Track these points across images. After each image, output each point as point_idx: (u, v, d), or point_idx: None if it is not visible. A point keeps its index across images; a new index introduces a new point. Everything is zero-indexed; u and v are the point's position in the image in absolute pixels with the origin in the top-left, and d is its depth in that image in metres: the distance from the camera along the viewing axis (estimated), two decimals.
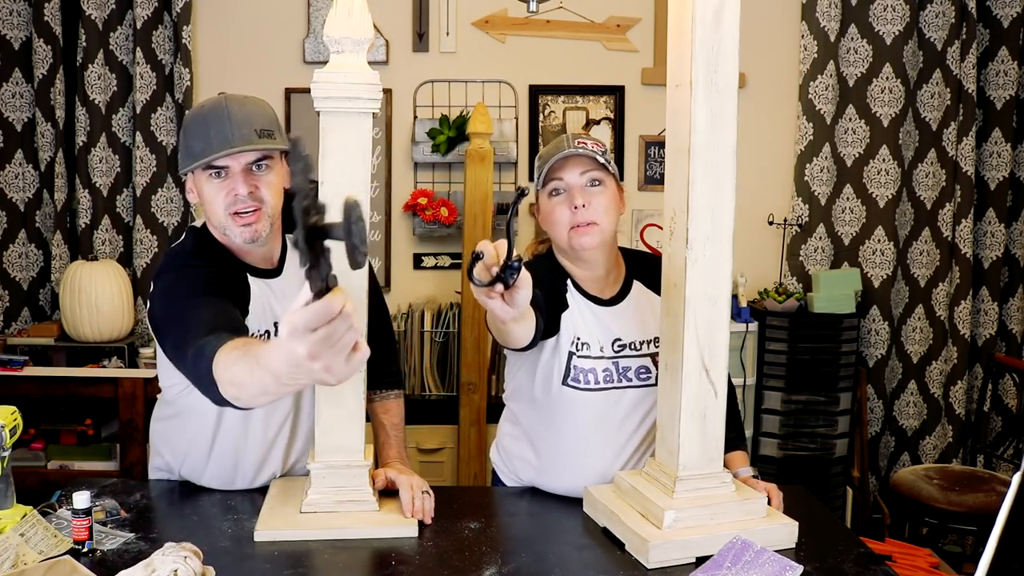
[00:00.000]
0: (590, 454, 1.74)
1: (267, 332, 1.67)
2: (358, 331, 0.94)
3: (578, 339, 1.72)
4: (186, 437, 1.76)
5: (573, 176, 1.69)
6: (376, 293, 1.77)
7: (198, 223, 1.72)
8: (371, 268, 1.63)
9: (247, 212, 1.57)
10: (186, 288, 1.50)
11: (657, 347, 1.72)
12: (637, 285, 1.81)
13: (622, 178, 3.49)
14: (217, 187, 1.58)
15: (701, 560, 1.47)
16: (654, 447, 1.68)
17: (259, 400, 1.26)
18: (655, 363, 1.74)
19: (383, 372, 1.83)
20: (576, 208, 1.67)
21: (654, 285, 1.73)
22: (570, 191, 1.69)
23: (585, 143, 1.70)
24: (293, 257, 1.71)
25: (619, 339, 1.74)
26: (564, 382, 1.72)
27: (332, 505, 1.63)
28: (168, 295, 1.51)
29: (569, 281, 1.75)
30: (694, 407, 1.55)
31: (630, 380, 1.74)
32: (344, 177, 1.61)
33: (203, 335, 1.34)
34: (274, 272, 1.71)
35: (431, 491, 1.68)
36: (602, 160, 1.69)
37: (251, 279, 1.66)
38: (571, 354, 1.71)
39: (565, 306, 1.72)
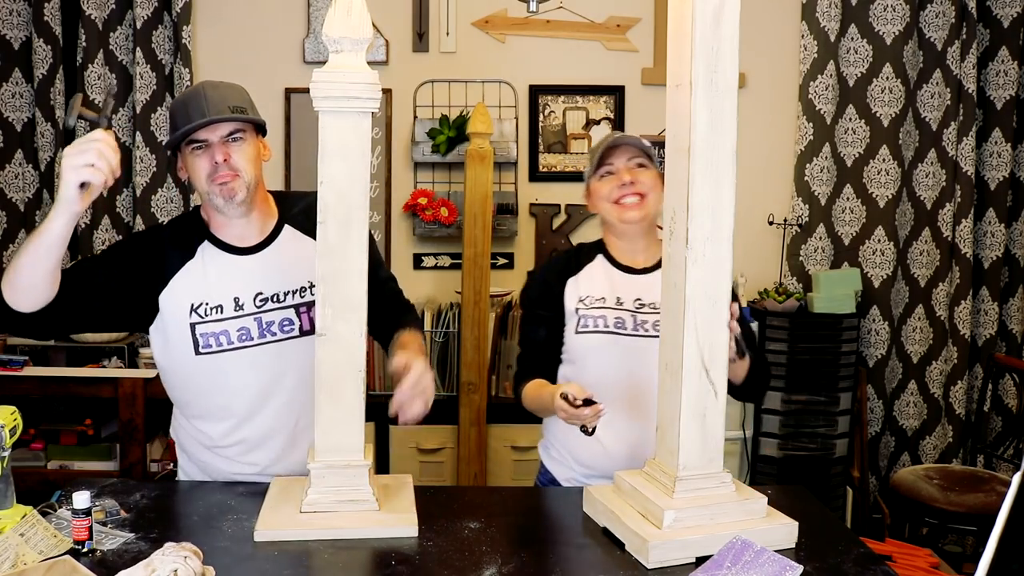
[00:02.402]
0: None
1: (220, 307, 1.75)
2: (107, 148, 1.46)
3: (589, 296, 1.91)
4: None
5: (621, 160, 1.90)
6: (376, 260, 1.83)
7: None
8: (372, 239, 1.70)
9: (224, 177, 1.72)
10: (96, 262, 1.77)
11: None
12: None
13: None
14: (199, 158, 1.73)
15: (701, 560, 1.47)
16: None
17: (27, 276, 1.54)
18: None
19: (395, 319, 1.90)
20: (624, 185, 1.87)
21: None
22: (619, 172, 1.89)
23: (632, 135, 1.93)
24: (275, 247, 1.82)
25: (639, 298, 1.91)
26: (576, 331, 1.89)
27: (332, 505, 1.63)
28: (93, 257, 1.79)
29: (600, 255, 1.96)
30: (694, 407, 1.55)
31: (647, 331, 1.87)
32: (343, 177, 1.61)
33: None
34: (245, 251, 1.80)
35: (430, 403, 1.80)
36: (646, 149, 1.90)
37: (213, 249, 1.77)
38: (577, 310, 1.90)
39: (561, 301, 1.92)
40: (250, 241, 1.81)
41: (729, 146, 1.52)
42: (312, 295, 1.78)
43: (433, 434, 3.21)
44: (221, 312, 1.75)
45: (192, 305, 1.74)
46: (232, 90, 1.78)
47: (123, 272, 1.74)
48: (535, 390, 1.86)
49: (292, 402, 1.81)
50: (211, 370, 1.76)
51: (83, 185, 1.48)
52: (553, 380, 1.91)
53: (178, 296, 1.75)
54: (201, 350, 1.74)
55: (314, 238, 1.63)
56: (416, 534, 1.58)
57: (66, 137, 3.36)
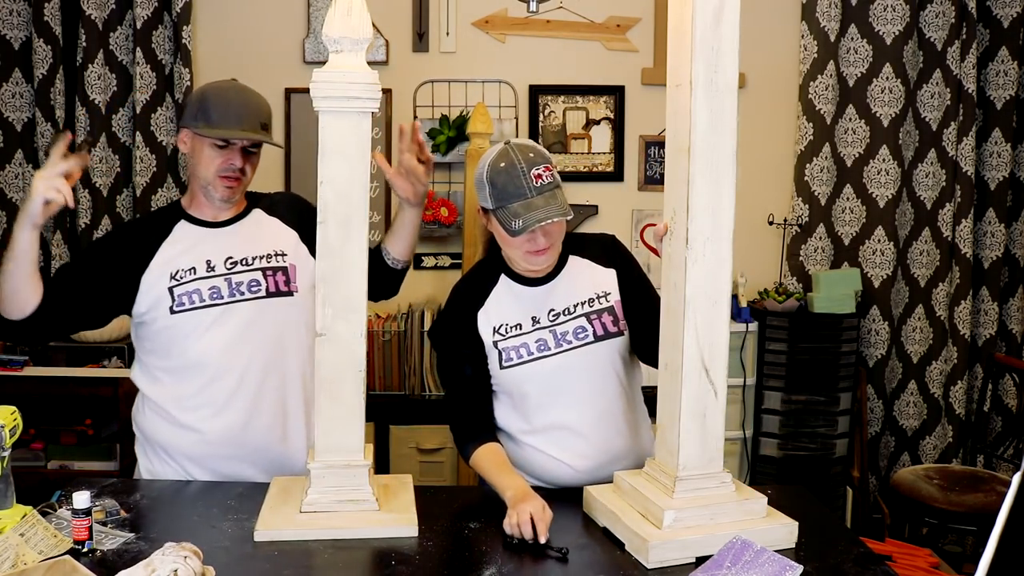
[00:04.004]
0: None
1: (193, 268, 1.87)
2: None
3: (504, 324, 1.83)
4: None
5: (553, 224, 1.74)
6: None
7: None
8: (312, 211, 1.94)
9: (233, 179, 1.88)
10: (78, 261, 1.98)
11: (591, 307, 1.83)
12: (572, 259, 1.89)
13: (622, 179, 3.50)
14: (217, 153, 1.87)
15: (701, 560, 1.47)
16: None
17: (7, 286, 1.74)
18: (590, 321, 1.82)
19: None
20: (539, 249, 1.76)
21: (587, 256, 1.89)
22: (534, 232, 1.73)
23: (541, 176, 1.72)
24: (246, 222, 1.97)
25: (552, 309, 1.83)
26: (501, 367, 1.81)
27: (332, 505, 1.63)
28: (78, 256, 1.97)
29: (502, 275, 1.86)
30: (694, 407, 1.55)
31: (570, 343, 1.81)
32: (343, 177, 1.61)
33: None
34: (218, 224, 1.95)
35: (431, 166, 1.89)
36: (560, 206, 1.71)
37: (188, 225, 1.92)
38: (495, 343, 1.82)
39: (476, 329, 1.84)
40: (222, 218, 1.96)
41: (729, 146, 1.52)
42: (279, 261, 1.93)
43: (433, 434, 3.20)
44: (194, 273, 1.88)
45: (170, 273, 1.88)
46: (263, 103, 1.94)
47: (106, 266, 1.88)
48: (490, 467, 1.76)
49: (255, 360, 1.89)
50: (184, 327, 1.86)
51: (47, 202, 1.68)
52: (491, 416, 1.85)
53: (158, 271, 1.88)
54: (175, 308, 1.86)
55: (281, 221, 1.96)
56: (416, 534, 1.58)
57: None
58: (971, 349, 3.53)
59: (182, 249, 1.90)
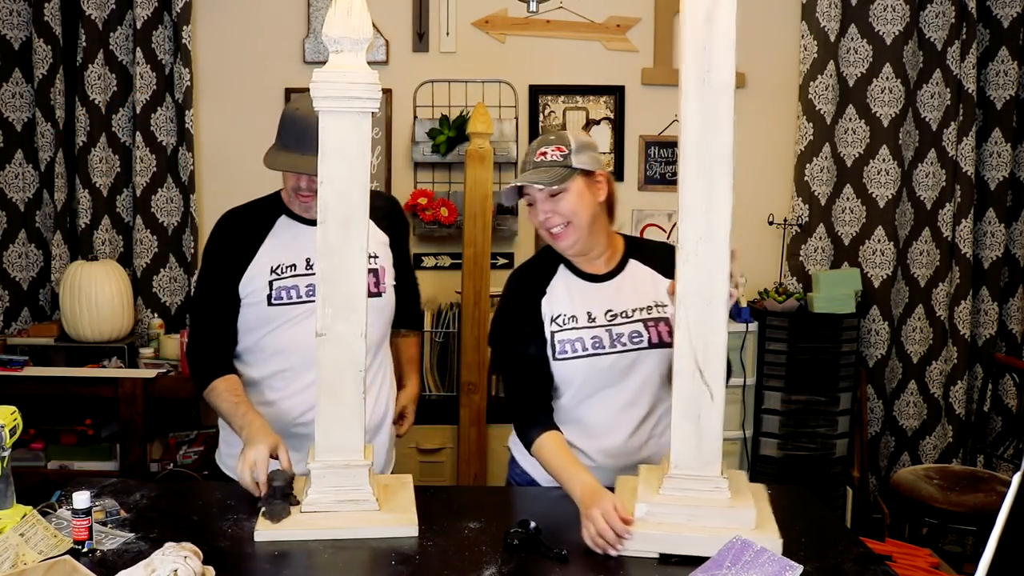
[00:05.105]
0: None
1: (293, 265, 1.95)
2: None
3: (562, 315, 1.84)
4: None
5: (535, 191, 1.79)
6: (404, 248, 2.17)
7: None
8: (406, 226, 2.20)
9: (307, 197, 1.92)
10: (208, 276, 2.01)
11: (649, 314, 1.84)
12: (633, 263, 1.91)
13: (622, 179, 3.50)
14: (290, 175, 1.94)
15: (666, 558, 1.49)
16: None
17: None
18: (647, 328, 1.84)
19: (409, 315, 2.21)
20: (546, 217, 1.78)
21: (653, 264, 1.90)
22: (536, 204, 1.80)
23: (547, 153, 1.77)
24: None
25: (610, 309, 1.84)
26: (555, 358, 1.82)
27: (332, 505, 1.63)
28: (202, 272, 2.03)
29: (561, 266, 1.89)
30: (686, 408, 1.54)
31: (624, 345, 1.81)
32: (343, 177, 1.61)
33: (208, 343, 1.98)
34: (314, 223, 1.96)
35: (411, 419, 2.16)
36: (550, 177, 1.74)
37: (289, 221, 1.99)
38: (552, 333, 1.83)
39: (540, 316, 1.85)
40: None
41: (724, 145, 1.51)
42: (371, 264, 1.92)
43: (433, 434, 3.21)
44: (294, 270, 1.95)
45: (271, 267, 1.95)
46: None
47: (228, 276, 1.96)
48: (554, 459, 1.75)
49: None
50: (280, 319, 1.94)
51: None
52: (550, 402, 1.85)
53: (262, 262, 1.96)
54: (273, 301, 1.93)
55: (377, 225, 1.98)
56: (416, 534, 1.58)
57: (66, 139, 3.37)
58: (971, 349, 3.53)
59: (283, 244, 1.96)
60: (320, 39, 3.35)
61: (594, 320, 1.82)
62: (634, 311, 1.83)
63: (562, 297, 1.85)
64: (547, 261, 1.89)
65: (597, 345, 1.80)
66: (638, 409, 1.84)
